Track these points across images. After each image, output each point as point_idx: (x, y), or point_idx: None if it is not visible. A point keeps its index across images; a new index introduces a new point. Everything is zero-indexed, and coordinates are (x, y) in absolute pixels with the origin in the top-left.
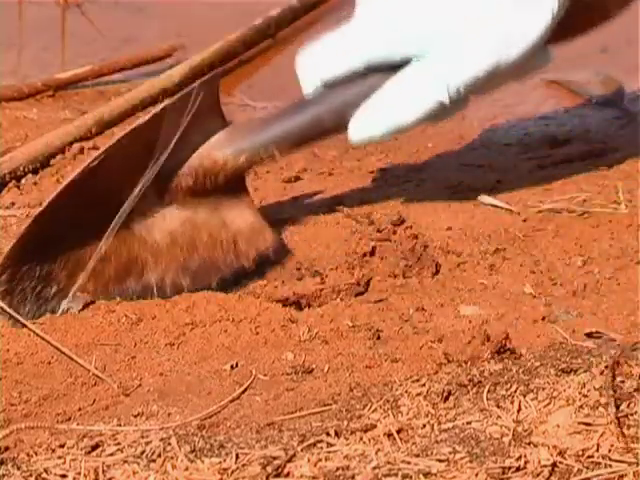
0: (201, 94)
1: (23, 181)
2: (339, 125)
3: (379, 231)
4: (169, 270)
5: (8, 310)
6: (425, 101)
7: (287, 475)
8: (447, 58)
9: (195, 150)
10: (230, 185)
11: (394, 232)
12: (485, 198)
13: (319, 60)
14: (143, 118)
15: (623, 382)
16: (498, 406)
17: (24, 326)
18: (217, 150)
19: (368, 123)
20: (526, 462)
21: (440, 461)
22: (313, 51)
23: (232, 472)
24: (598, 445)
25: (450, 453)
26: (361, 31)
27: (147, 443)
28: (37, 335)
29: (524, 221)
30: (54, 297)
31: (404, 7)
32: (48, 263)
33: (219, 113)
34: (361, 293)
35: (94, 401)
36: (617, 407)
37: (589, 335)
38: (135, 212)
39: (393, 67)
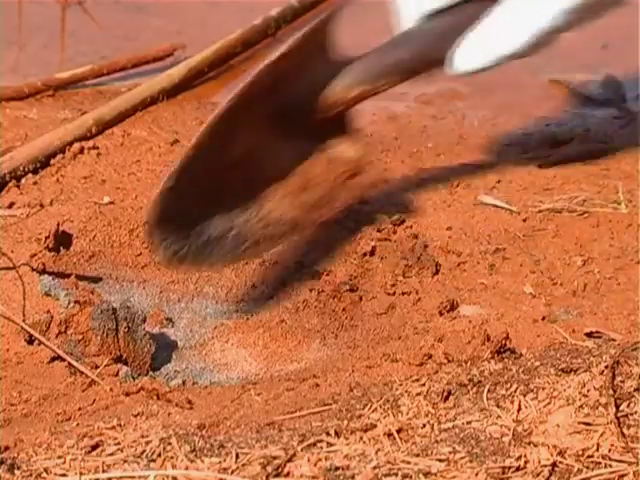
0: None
1: (23, 181)
2: (444, 55)
3: (379, 231)
4: (286, 202)
5: (7, 313)
6: (533, 27)
7: (287, 475)
8: None
9: (312, 86)
10: (339, 119)
11: (394, 232)
12: (485, 198)
13: None
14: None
15: (623, 382)
16: (498, 406)
17: (22, 328)
18: (333, 85)
19: (477, 51)
20: (526, 462)
21: (440, 461)
22: None
23: (232, 472)
24: (598, 445)
25: (450, 453)
26: None
27: (147, 443)
28: (36, 337)
29: (524, 221)
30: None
31: None
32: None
33: (333, 50)
34: (361, 293)
35: (94, 401)
36: (617, 407)
37: (589, 335)
38: (257, 147)
39: None
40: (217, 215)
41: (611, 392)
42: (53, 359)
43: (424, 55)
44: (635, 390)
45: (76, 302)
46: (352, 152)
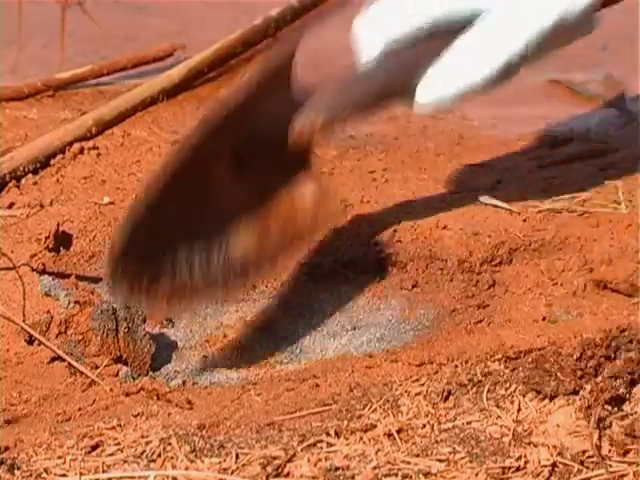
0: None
1: (23, 181)
2: (407, 89)
3: (379, 231)
4: (250, 243)
5: (7, 313)
6: (495, 59)
7: (287, 475)
8: (515, 13)
9: (274, 120)
10: (301, 156)
11: (394, 232)
12: (485, 198)
13: (381, 22)
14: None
15: (623, 382)
16: (498, 406)
17: (22, 328)
18: (294, 121)
19: (437, 84)
20: (526, 462)
21: (440, 461)
22: (373, 14)
23: (232, 472)
24: (598, 445)
25: (450, 453)
26: None
27: (147, 443)
28: (36, 337)
29: (524, 221)
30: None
31: None
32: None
33: (292, 81)
34: (361, 293)
35: (94, 401)
36: (617, 407)
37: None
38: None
39: (457, 28)
40: (179, 252)
41: (611, 392)
42: (53, 359)
43: (387, 89)
44: (635, 390)
45: (76, 302)
46: (315, 190)
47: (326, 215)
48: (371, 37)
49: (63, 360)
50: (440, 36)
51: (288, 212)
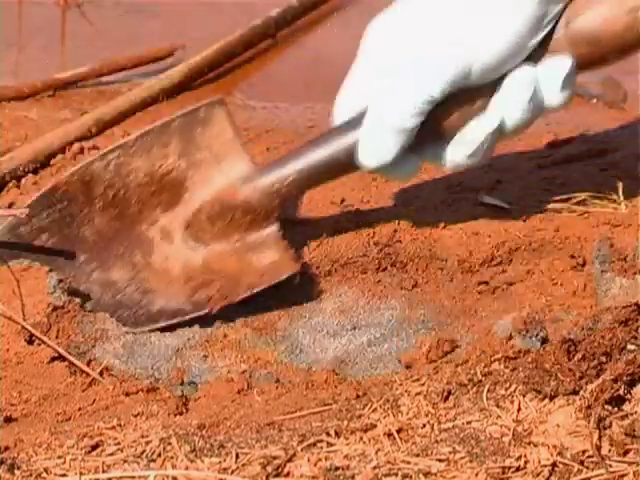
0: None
1: (23, 181)
2: (353, 162)
3: (379, 231)
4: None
5: (8, 312)
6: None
7: (287, 475)
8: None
9: (214, 182)
10: (254, 220)
11: (394, 232)
12: (485, 198)
13: (348, 95)
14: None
15: (623, 381)
16: (498, 406)
17: (23, 327)
18: (237, 186)
19: (375, 146)
20: (526, 462)
21: (440, 461)
22: (346, 85)
23: (232, 472)
24: (598, 445)
25: (450, 453)
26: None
27: (147, 443)
28: (36, 337)
29: (524, 221)
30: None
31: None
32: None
33: (236, 144)
34: (361, 293)
35: (94, 401)
36: (617, 407)
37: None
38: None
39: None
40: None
41: (611, 392)
42: (53, 359)
43: (333, 161)
44: (635, 389)
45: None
46: (274, 254)
47: (277, 275)
48: (340, 104)
49: (63, 360)
50: None
51: (234, 267)
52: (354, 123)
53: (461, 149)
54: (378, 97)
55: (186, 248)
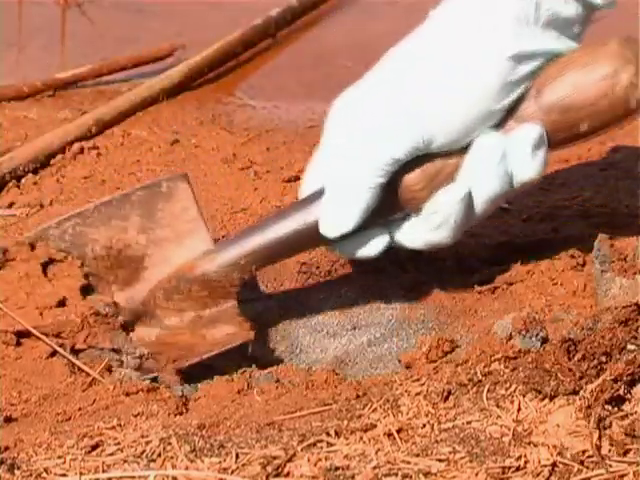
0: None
1: (23, 181)
2: (316, 235)
3: None
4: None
5: (9, 313)
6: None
7: (287, 475)
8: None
9: (174, 262)
10: (210, 295)
11: None
12: None
13: (312, 174)
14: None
15: (623, 381)
16: (498, 406)
17: (24, 327)
18: (195, 260)
19: (335, 214)
20: (526, 462)
21: (440, 461)
22: (311, 164)
23: (232, 472)
24: (598, 445)
25: (450, 453)
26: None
27: (147, 443)
28: (36, 336)
29: (524, 221)
30: None
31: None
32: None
33: (199, 224)
34: (361, 293)
35: (94, 401)
36: (617, 407)
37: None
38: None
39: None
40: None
41: (611, 392)
42: (52, 354)
43: (294, 237)
44: (635, 389)
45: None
46: (231, 328)
47: (229, 343)
48: (310, 185)
49: (63, 360)
50: None
51: (187, 340)
52: (316, 196)
53: (428, 222)
54: (336, 166)
55: (139, 326)
